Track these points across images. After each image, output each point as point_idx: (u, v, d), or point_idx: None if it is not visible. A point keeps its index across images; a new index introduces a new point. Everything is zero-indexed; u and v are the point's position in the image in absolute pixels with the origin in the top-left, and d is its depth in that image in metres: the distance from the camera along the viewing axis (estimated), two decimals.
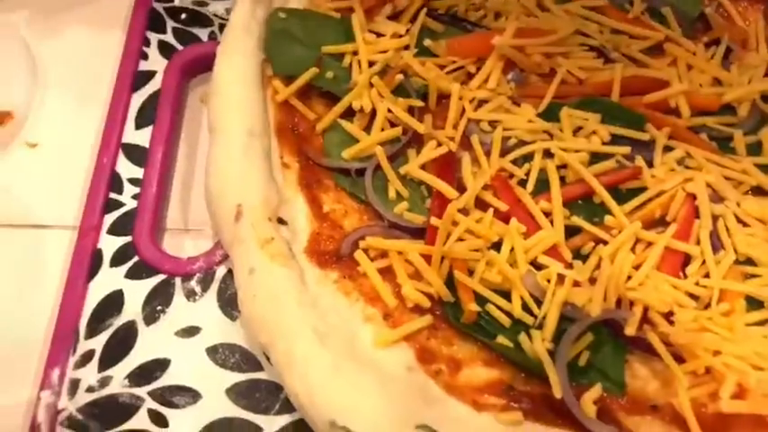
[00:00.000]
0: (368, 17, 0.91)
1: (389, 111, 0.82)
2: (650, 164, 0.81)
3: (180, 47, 0.92)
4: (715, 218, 0.78)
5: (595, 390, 0.67)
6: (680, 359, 0.69)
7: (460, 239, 0.74)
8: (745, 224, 0.78)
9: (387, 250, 0.74)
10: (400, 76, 0.85)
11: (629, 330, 0.69)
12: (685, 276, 0.74)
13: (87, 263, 0.76)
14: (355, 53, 0.87)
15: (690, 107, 0.86)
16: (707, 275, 0.74)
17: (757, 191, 0.82)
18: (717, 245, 0.76)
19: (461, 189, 0.78)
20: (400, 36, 0.89)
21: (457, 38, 0.89)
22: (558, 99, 0.85)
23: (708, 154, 0.82)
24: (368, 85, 0.84)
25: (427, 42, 0.89)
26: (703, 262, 0.75)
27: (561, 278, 0.72)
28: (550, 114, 0.84)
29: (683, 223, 0.77)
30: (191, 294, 0.75)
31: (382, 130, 0.82)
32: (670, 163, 0.81)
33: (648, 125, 0.83)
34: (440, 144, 0.81)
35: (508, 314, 0.71)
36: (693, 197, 0.79)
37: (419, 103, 0.83)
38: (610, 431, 0.65)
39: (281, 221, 0.76)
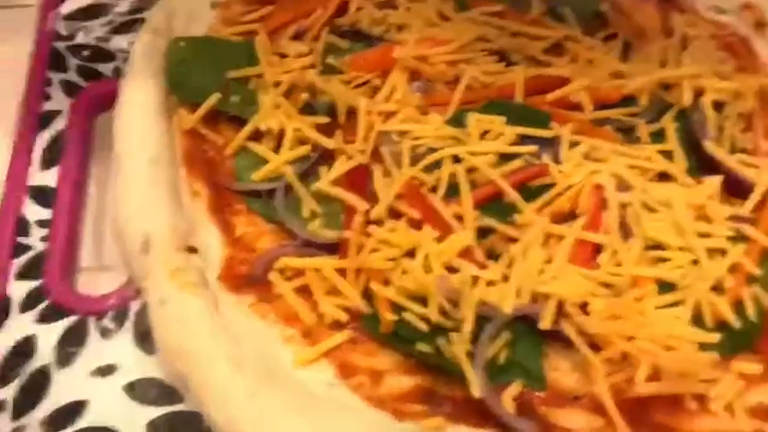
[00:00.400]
0: (271, 39, 0.91)
1: (297, 130, 0.83)
2: (557, 160, 0.82)
3: (84, 84, 0.91)
4: (623, 206, 0.79)
5: (515, 386, 0.68)
6: (597, 348, 0.70)
7: (375, 250, 0.74)
8: (652, 210, 0.80)
9: (302, 268, 0.74)
10: (305, 95, 0.85)
11: (544, 324, 0.70)
12: (598, 266, 0.76)
13: None
14: (260, 76, 0.87)
15: (592, 101, 0.87)
16: (619, 264, 0.76)
17: (663, 176, 0.84)
18: (626, 233, 0.77)
19: (375, 201, 0.78)
20: (305, 55, 0.90)
21: (360, 53, 0.90)
22: (464, 105, 0.86)
23: (612, 145, 0.84)
24: (274, 105, 0.84)
25: (331, 60, 0.89)
26: (614, 251, 0.76)
27: (476, 279, 0.72)
28: (458, 121, 0.85)
29: (592, 215, 0.78)
30: (105, 332, 0.73)
31: (291, 149, 0.82)
32: (576, 157, 0.82)
33: (553, 123, 0.85)
34: (351, 158, 0.82)
35: (426, 320, 0.71)
36: (601, 188, 0.80)
37: (325, 120, 0.84)
38: (530, 426, 0.66)
39: (191, 250, 0.75)
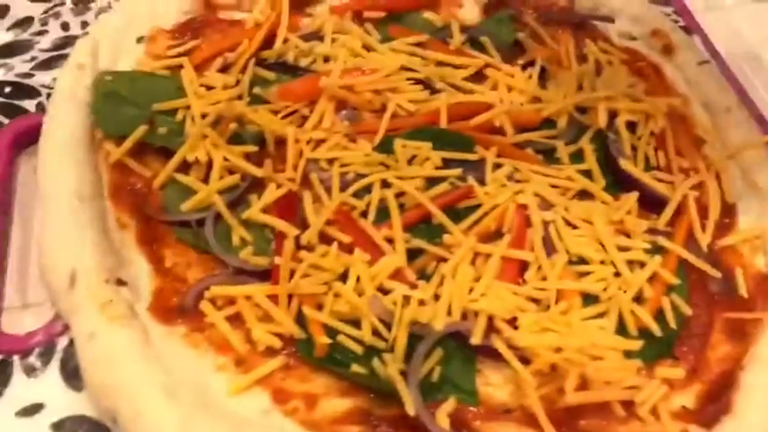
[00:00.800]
0: (198, 72, 0.92)
1: (226, 159, 0.83)
2: (482, 182, 0.85)
3: (6, 120, 0.90)
4: (546, 224, 0.82)
5: (449, 403, 0.69)
6: (527, 361, 0.72)
7: (306, 275, 0.75)
8: (574, 226, 0.83)
9: (233, 296, 0.74)
10: (234, 125, 0.86)
11: (475, 340, 0.71)
12: (524, 282, 0.78)
13: None
14: (188, 107, 0.88)
15: (513, 125, 0.91)
16: (544, 279, 0.78)
17: (583, 194, 0.87)
18: (550, 249, 0.80)
19: (305, 227, 0.79)
20: (231, 87, 0.91)
21: (287, 83, 0.92)
22: (391, 132, 0.89)
23: (534, 166, 0.87)
24: (201, 136, 0.84)
25: (257, 90, 0.90)
26: (539, 267, 0.79)
27: (408, 299, 0.74)
28: (385, 147, 0.87)
29: (517, 233, 0.81)
30: (30, 371, 0.71)
31: (220, 179, 0.82)
32: (500, 179, 0.85)
33: (477, 147, 0.88)
34: (280, 186, 0.83)
35: (360, 342, 0.72)
36: (525, 208, 0.83)
37: (254, 149, 0.84)
38: None
39: (120, 283, 0.74)
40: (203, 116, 0.86)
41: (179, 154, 0.83)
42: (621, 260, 0.79)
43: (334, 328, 0.72)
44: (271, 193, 0.82)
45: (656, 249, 0.82)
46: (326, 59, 0.96)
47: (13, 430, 0.68)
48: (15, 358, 0.72)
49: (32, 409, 0.69)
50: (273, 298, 0.73)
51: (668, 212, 0.85)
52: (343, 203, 0.82)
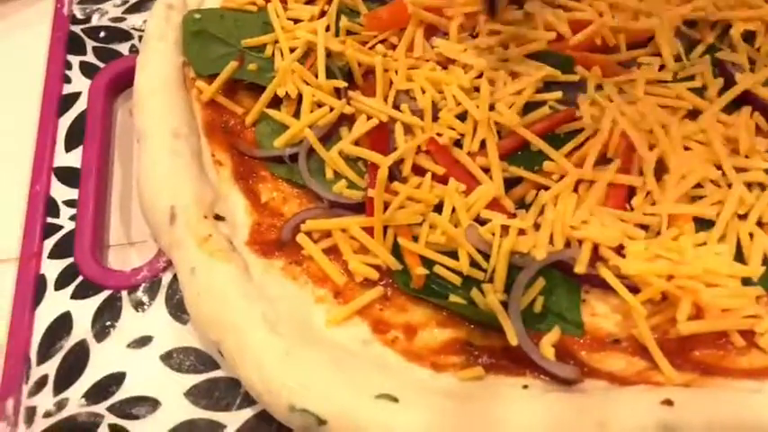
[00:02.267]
0: (284, 5, 0.90)
1: (315, 94, 0.82)
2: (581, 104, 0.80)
3: (102, 65, 0.91)
4: (652, 146, 0.77)
5: (553, 333, 0.67)
6: (635, 290, 0.68)
7: (401, 207, 0.73)
8: (686, 148, 0.77)
9: (329, 230, 0.73)
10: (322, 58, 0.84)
11: (579, 269, 0.68)
12: (632, 209, 0.73)
13: (31, 290, 0.75)
14: (276, 42, 0.86)
15: (616, 43, 0.85)
16: (653, 204, 0.73)
17: (695, 114, 0.81)
18: (659, 173, 0.75)
19: (398, 158, 0.77)
20: (318, 18, 0.88)
21: (374, 11, 0.89)
22: None
23: (639, 85, 0.81)
24: (290, 71, 0.83)
25: (344, 22, 0.88)
26: (648, 193, 0.74)
27: (506, 229, 0.71)
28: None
29: (624, 157, 0.76)
30: (139, 305, 0.74)
31: (311, 113, 0.81)
32: (603, 100, 0.80)
33: (578, 67, 0.83)
34: (370, 118, 0.81)
35: (458, 273, 0.70)
36: (630, 130, 0.77)
37: (342, 84, 0.82)
38: (571, 370, 0.64)
39: (218, 218, 0.75)
40: (292, 50, 0.85)
41: (269, 90, 0.82)
42: (739, 181, 0.73)
43: (430, 260, 0.71)
44: (361, 126, 0.80)
45: None
46: None
47: (126, 360, 0.70)
48: (123, 293, 0.74)
49: (143, 341, 0.72)
50: (369, 230, 0.73)
51: None
52: (438, 134, 0.79)
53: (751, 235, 0.70)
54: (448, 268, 0.70)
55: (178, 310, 0.73)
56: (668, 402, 0.61)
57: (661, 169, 0.75)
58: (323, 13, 0.89)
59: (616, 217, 0.72)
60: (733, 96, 0.80)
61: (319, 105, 0.82)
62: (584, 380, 0.65)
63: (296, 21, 0.88)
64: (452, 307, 0.68)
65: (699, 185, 0.74)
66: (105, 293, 0.74)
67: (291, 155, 0.79)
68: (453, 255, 0.71)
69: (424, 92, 0.82)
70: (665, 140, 0.76)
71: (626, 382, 0.64)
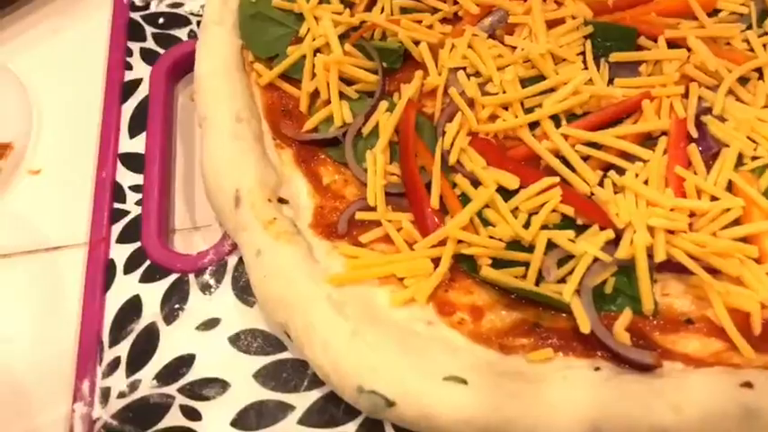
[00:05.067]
0: None
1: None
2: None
3: (162, 51, 0.92)
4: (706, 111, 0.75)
5: (625, 316, 0.65)
6: (711, 271, 0.66)
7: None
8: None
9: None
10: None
11: (658, 257, 0.66)
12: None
13: (101, 275, 0.76)
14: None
15: (683, 13, 0.82)
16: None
17: None
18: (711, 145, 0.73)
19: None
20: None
21: None
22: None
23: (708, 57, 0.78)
24: (324, 67, 0.81)
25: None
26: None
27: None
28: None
29: (675, 139, 0.74)
30: (206, 288, 0.74)
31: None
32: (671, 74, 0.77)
33: (642, 38, 0.80)
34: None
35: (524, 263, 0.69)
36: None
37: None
38: (651, 356, 0.63)
39: (281, 201, 0.75)
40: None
41: (305, 81, 0.81)
42: None
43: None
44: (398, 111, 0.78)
45: None
46: None
47: (195, 343, 0.72)
48: (191, 276, 0.75)
49: (210, 324, 0.72)
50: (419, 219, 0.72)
51: None
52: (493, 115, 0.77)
53: None
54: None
55: (245, 292, 0.74)
56: (748, 385, 0.59)
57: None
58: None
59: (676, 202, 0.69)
60: None
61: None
62: (662, 364, 0.63)
63: (350, 4, 0.87)
64: (521, 291, 0.67)
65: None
66: (173, 277, 0.75)
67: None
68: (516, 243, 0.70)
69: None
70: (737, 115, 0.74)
71: (702, 363, 0.63)
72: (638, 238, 0.66)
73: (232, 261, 0.75)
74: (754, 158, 0.72)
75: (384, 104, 0.80)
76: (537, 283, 0.67)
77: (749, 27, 0.81)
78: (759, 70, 0.77)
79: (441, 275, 0.69)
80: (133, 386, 0.70)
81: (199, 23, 0.93)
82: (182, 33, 0.94)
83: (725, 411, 0.58)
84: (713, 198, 0.70)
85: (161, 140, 0.84)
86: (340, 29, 0.84)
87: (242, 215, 0.72)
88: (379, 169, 0.75)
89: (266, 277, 0.69)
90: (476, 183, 0.73)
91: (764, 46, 0.79)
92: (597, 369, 0.63)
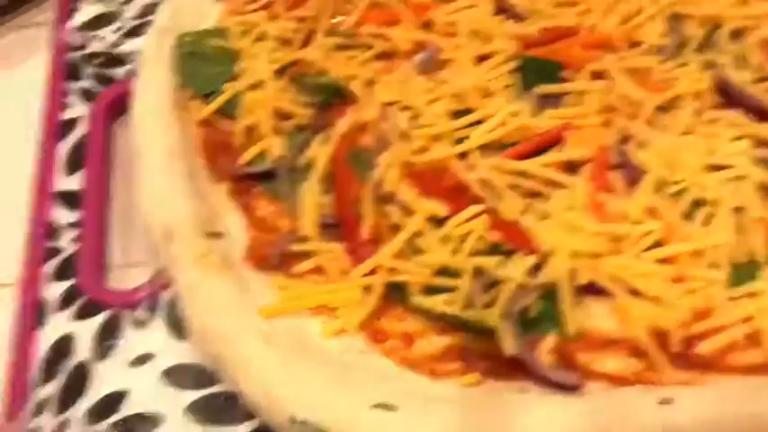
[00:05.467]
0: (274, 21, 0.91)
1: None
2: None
3: (101, 90, 0.93)
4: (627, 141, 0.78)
5: (550, 338, 0.66)
6: (632, 293, 0.68)
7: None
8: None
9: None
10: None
11: (581, 280, 0.68)
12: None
13: (32, 314, 0.76)
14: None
15: (605, 46, 0.86)
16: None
17: None
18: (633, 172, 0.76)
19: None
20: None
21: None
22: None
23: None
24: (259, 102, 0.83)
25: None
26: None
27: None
28: None
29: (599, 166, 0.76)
30: (139, 323, 0.74)
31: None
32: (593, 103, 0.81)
33: (566, 71, 0.83)
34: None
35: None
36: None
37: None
38: (571, 377, 0.64)
39: (215, 235, 0.75)
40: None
41: (240, 116, 0.83)
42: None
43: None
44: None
45: None
46: None
47: (128, 379, 0.71)
48: (125, 312, 0.75)
49: (144, 359, 0.72)
50: (354, 250, 0.73)
51: None
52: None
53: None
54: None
55: (178, 326, 0.73)
56: (667, 401, 0.61)
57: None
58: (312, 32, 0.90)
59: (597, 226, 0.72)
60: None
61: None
62: (584, 384, 0.65)
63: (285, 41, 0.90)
64: (450, 318, 0.68)
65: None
66: (107, 313, 0.75)
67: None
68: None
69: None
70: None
71: (625, 382, 0.64)
72: (561, 263, 0.68)
73: (166, 296, 0.75)
74: (673, 183, 0.75)
75: (319, 138, 0.82)
76: (466, 309, 0.68)
77: (668, 59, 0.85)
78: (678, 99, 0.81)
79: (372, 304, 0.70)
80: (63, 426, 0.69)
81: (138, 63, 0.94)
82: (121, 73, 0.95)
83: (645, 428, 0.59)
84: (635, 222, 0.72)
85: (98, 178, 0.85)
86: (276, 66, 0.87)
87: (174, 250, 0.73)
88: (312, 201, 0.76)
89: (198, 311, 0.69)
90: (408, 213, 0.75)
91: (682, 77, 0.83)
92: (524, 391, 0.64)
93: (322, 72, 0.86)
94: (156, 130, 0.81)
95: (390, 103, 0.83)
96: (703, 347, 0.66)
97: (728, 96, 0.81)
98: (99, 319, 0.75)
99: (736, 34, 0.86)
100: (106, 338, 0.74)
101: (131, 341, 0.73)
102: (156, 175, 0.77)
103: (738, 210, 0.72)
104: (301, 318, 0.70)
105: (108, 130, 0.91)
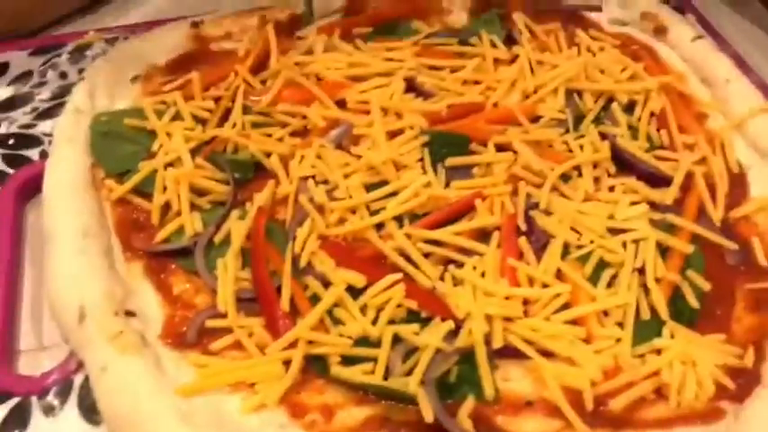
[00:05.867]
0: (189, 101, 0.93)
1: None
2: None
3: (11, 171, 0.91)
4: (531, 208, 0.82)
5: (468, 403, 0.67)
6: (545, 354, 0.71)
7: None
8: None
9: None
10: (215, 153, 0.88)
11: (496, 344, 0.70)
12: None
13: None
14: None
15: (508, 121, 0.91)
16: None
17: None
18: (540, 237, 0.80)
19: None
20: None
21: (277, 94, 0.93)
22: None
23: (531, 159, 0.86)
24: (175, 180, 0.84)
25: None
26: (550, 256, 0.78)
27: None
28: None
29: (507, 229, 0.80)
30: (49, 410, 0.71)
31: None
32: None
33: (473, 144, 0.88)
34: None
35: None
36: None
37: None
38: None
39: (129, 314, 0.74)
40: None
41: (156, 194, 0.83)
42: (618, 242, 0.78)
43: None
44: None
45: (667, 228, 0.80)
46: (319, 79, 0.97)
47: None
48: (33, 399, 0.72)
49: None
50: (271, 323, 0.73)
51: (674, 188, 0.83)
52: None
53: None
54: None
55: (91, 411, 0.71)
56: None
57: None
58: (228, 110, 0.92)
59: (509, 291, 0.74)
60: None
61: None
62: None
63: (202, 120, 0.91)
64: (369, 388, 0.69)
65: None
66: (13, 401, 0.72)
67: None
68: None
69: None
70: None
71: None
72: (476, 327, 0.70)
73: (78, 380, 0.73)
74: (578, 247, 0.79)
75: (236, 213, 0.82)
76: (385, 378, 0.69)
77: (567, 131, 0.91)
78: (578, 168, 0.86)
79: (291, 378, 0.69)
80: None
81: (50, 143, 0.93)
82: (33, 154, 0.94)
83: None
84: (544, 285, 0.76)
85: (7, 260, 0.82)
86: (192, 143, 0.88)
87: (86, 330, 0.71)
88: (229, 276, 0.76)
89: (112, 393, 0.67)
90: (326, 284, 0.76)
91: (581, 147, 0.88)
92: None
93: (238, 149, 0.87)
94: (69, 209, 0.80)
95: (307, 177, 0.85)
96: (615, 404, 0.68)
97: (624, 164, 0.87)
98: (4, 407, 0.71)
99: (628, 107, 0.92)
100: (12, 428, 0.70)
101: (40, 430, 0.70)
102: (68, 256, 0.76)
103: (639, 270, 0.76)
104: (220, 395, 0.69)
105: (19, 212, 0.88)
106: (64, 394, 0.72)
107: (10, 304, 0.80)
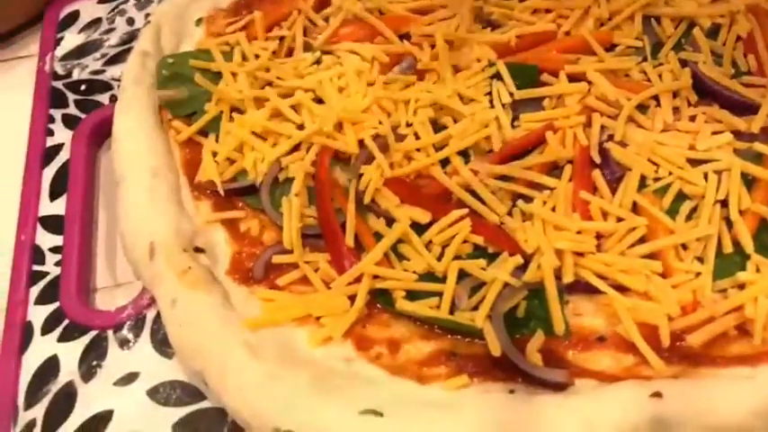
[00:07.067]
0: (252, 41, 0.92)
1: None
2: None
3: (83, 116, 0.93)
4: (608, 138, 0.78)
5: (537, 337, 0.66)
6: (619, 289, 0.68)
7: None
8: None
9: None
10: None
11: (566, 279, 0.68)
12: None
13: (18, 337, 0.75)
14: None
15: (583, 51, 0.86)
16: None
17: None
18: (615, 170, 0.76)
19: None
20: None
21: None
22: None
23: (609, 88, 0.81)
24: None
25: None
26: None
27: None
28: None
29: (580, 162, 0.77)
30: (124, 343, 0.74)
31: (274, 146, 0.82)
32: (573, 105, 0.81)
33: (544, 74, 0.84)
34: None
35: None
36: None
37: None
38: (561, 374, 0.63)
39: (198, 250, 0.75)
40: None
41: (222, 135, 0.83)
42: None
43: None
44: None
45: (753, 158, 0.75)
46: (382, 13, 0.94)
47: (114, 399, 0.70)
48: (109, 332, 0.74)
49: (129, 378, 0.72)
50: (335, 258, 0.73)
51: (762, 116, 0.77)
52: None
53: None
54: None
55: (163, 344, 0.73)
56: (657, 395, 0.60)
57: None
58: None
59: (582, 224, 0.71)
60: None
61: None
62: (574, 382, 0.64)
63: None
64: (435, 321, 0.68)
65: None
66: (91, 334, 0.75)
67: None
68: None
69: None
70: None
71: (615, 378, 0.63)
72: (545, 261, 0.68)
73: (150, 314, 0.75)
74: (655, 180, 0.75)
75: (300, 152, 0.82)
76: (451, 312, 0.68)
77: (644, 59, 0.85)
78: (656, 98, 0.81)
79: (357, 311, 0.69)
80: None
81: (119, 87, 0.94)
82: (104, 98, 0.96)
83: (636, 422, 0.58)
84: (619, 219, 0.72)
85: (81, 202, 0.85)
86: (257, 85, 0.87)
87: (157, 266, 0.72)
88: (294, 212, 0.76)
89: (182, 326, 0.69)
90: (391, 221, 0.75)
91: (659, 75, 0.83)
92: (512, 392, 0.63)
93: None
94: (137, 151, 0.81)
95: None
96: (693, 340, 0.65)
97: (706, 93, 0.81)
98: (83, 340, 0.74)
99: (712, 32, 0.86)
100: (91, 360, 0.73)
101: (116, 361, 0.73)
102: (139, 195, 0.77)
103: (722, 202, 0.72)
104: (287, 328, 0.69)
105: (91, 154, 0.91)
106: (137, 328, 0.75)
107: (86, 245, 0.83)
